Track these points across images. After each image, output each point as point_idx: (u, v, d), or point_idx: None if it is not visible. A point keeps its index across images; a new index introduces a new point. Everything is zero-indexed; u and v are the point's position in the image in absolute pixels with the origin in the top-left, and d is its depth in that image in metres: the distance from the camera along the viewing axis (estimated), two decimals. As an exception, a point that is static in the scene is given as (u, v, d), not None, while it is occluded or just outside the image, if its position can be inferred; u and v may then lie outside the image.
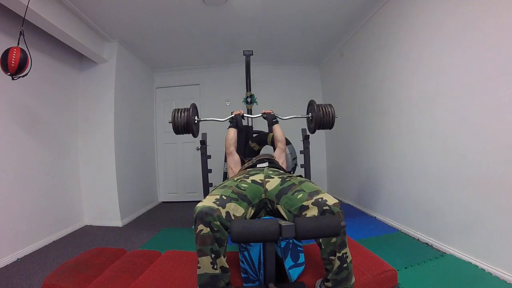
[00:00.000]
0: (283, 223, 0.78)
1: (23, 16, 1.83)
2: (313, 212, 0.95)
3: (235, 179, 1.22)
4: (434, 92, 1.96)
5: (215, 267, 0.90)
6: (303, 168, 2.22)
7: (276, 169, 1.39)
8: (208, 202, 0.97)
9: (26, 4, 1.83)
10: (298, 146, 2.26)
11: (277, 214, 1.13)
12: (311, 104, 2.09)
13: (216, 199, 0.99)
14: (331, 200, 0.95)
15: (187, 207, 3.82)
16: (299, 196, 1.02)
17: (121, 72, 3.20)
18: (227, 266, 0.94)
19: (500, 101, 1.48)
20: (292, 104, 4.29)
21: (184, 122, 1.88)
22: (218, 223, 0.92)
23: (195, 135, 2.05)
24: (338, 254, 0.93)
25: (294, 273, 1.07)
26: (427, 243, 2.04)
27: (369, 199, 3.02)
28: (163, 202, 4.29)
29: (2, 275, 1.80)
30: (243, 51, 3.05)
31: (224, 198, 1.01)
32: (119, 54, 3.15)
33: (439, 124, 1.92)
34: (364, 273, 1.10)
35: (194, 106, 2.02)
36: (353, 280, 0.98)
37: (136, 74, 3.70)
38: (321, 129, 2.00)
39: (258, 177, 1.24)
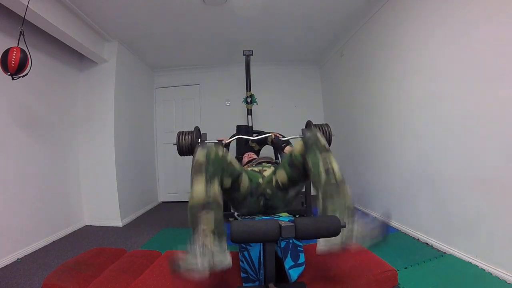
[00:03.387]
0: (283, 223, 0.78)
1: (23, 16, 1.83)
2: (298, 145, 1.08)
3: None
4: (434, 92, 1.96)
5: (205, 190, 0.95)
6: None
7: (272, 165, 1.52)
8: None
9: (26, 4, 1.83)
10: (298, 146, 2.26)
11: (275, 199, 1.23)
12: (308, 124, 2.19)
13: (220, 147, 1.11)
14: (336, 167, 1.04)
15: (187, 207, 3.82)
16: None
17: (121, 72, 3.20)
18: (220, 202, 0.98)
19: (501, 101, 1.48)
20: (292, 104, 4.30)
21: (188, 143, 2.07)
22: (214, 155, 1.02)
23: None
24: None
25: (294, 273, 1.07)
26: (427, 243, 2.04)
27: (369, 199, 3.01)
28: (163, 202, 4.29)
29: (2, 275, 1.80)
30: (243, 51, 3.05)
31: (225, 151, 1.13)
32: (119, 54, 3.15)
33: (439, 124, 1.92)
34: (364, 273, 1.10)
35: (197, 129, 2.18)
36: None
37: (136, 74, 3.70)
38: None
39: (257, 168, 1.42)
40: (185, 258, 0.80)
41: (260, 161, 1.67)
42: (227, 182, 1.11)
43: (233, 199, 1.25)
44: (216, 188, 0.97)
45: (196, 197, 0.94)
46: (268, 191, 1.24)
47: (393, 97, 2.47)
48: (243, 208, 1.27)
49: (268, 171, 1.33)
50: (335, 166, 1.02)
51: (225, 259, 0.83)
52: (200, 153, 1.03)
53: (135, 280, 1.14)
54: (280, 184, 1.19)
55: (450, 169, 1.84)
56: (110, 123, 3.02)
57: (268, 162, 1.62)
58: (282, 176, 1.18)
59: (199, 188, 0.95)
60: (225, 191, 1.11)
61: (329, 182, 0.98)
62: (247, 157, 2.06)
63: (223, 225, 0.93)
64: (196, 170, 0.99)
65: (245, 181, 1.19)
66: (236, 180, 1.14)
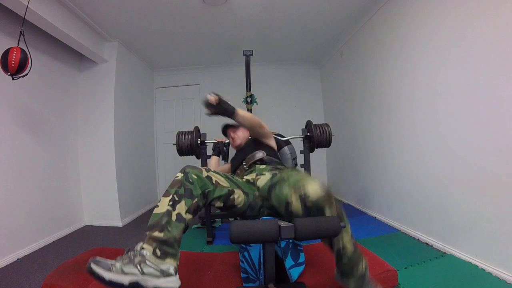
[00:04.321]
0: (282, 223, 0.78)
1: (23, 16, 1.83)
2: (298, 210, 0.89)
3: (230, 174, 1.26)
4: (434, 92, 1.96)
5: (169, 206, 0.87)
6: (303, 168, 2.23)
7: (267, 166, 1.36)
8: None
9: (26, 4, 1.83)
10: (298, 146, 2.26)
11: (277, 211, 1.12)
12: (308, 124, 2.19)
13: (205, 167, 1.05)
14: (314, 193, 0.87)
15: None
16: (284, 192, 0.97)
17: (121, 72, 3.20)
18: (185, 217, 0.89)
19: (500, 101, 1.48)
20: (292, 104, 4.30)
21: (188, 143, 2.06)
22: (195, 177, 0.95)
23: (198, 157, 2.16)
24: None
25: (294, 273, 1.07)
26: (427, 243, 2.04)
27: (369, 199, 3.01)
28: (163, 202, 4.29)
29: (2, 275, 1.80)
30: (243, 51, 3.05)
31: (213, 171, 1.07)
32: (119, 54, 3.15)
33: (439, 124, 1.92)
34: (364, 273, 1.10)
35: (197, 130, 2.15)
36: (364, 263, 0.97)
37: (136, 74, 3.69)
38: (319, 147, 2.12)
39: (251, 176, 1.27)
40: (111, 264, 0.74)
41: (251, 161, 1.46)
42: (218, 203, 1.06)
43: (233, 213, 1.18)
44: (182, 208, 0.89)
45: (159, 209, 0.89)
46: (267, 202, 1.14)
47: (393, 97, 2.47)
48: (247, 218, 1.17)
49: (262, 178, 1.18)
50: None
51: (158, 283, 0.76)
52: (179, 173, 0.97)
53: (135, 280, 1.13)
54: None
55: (450, 169, 1.84)
56: (110, 123, 3.02)
57: (261, 161, 1.45)
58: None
59: (164, 202, 0.89)
60: (220, 208, 1.07)
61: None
62: (231, 136, 1.77)
63: (172, 247, 0.84)
64: (170, 186, 0.94)
65: (239, 198, 1.10)
66: (227, 199, 1.06)
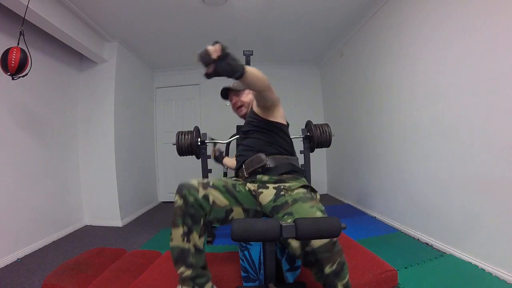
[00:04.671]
0: (283, 223, 0.78)
1: (23, 16, 1.83)
2: (295, 250, 0.86)
3: (235, 179, 1.22)
4: (434, 92, 1.96)
5: (185, 240, 0.92)
6: (303, 168, 2.22)
7: (271, 176, 1.15)
8: (192, 180, 1.00)
9: (26, 4, 1.83)
10: (298, 146, 2.25)
11: None
12: (308, 124, 2.19)
13: (202, 182, 1.01)
14: (317, 241, 0.82)
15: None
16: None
17: (121, 72, 3.20)
18: (201, 247, 0.95)
19: (500, 101, 1.48)
20: (292, 104, 4.30)
21: (187, 143, 2.08)
22: (193, 199, 0.93)
23: (198, 157, 2.15)
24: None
25: (290, 277, 1.07)
26: (427, 243, 2.04)
27: (369, 199, 3.02)
28: (163, 202, 4.29)
29: (2, 275, 1.80)
30: (243, 51, 3.04)
31: (211, 184, 1.02)
32: (119, 54, 3.15)
33: (439, 124, 1.92)
34: (364, 273, 1.10)
35: (197, 129, 2.16)
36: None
37: (136, 74, 3.70)
38: (319, 147, 2.14)
39: (253, 186, 1.15)
40: None
41: (251, 169, 1.20)
42: (215, 223, 1.03)
43: None
44: (195, 238, 0.94)
45: (175, 242, 0.94)
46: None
47: (393, 97, 2.47)
48: None
49: (265, 194, 1.07)
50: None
51: None
52: (177, 196, 0.95)
53: (135, 280, 1.14)
54: None
55: (450, 169, 1.84)
56: (110, 123, 3.02)
57: (263, 169, 1.18)
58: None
59: (177, 235, 0.93)
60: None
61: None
62: (233, 103, 1.54)
63: (204, 275, 0.95)
64: (174, 214, 0.94)
65: (238, 216, 1.05)
66: (225, 220, 1.03)
